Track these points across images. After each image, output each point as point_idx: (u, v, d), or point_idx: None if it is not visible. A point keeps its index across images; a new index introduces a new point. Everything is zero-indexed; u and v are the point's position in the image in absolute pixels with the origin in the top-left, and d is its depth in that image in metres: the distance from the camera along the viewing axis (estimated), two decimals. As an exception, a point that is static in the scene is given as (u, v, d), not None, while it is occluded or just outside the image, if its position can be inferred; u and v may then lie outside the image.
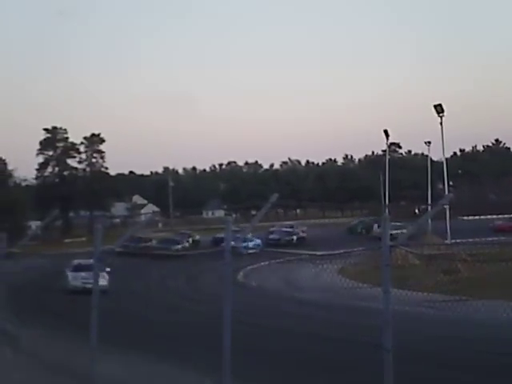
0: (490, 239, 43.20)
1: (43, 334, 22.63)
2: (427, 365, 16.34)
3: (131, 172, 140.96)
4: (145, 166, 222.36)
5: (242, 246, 34.80)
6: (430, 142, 63.24)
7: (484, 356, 17.18)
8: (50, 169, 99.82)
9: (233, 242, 8.16)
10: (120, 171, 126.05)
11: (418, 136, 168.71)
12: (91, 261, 12.77)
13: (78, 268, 32.61)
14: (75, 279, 31.90)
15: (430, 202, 53.44)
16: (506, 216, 70.21)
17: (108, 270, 30.13)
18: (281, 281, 34.30)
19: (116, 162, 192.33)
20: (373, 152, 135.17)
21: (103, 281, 32.82)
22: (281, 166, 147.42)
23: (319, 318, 23.15)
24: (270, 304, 24.08)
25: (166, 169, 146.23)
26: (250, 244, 43.02)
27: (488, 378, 14.81)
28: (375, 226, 62.24)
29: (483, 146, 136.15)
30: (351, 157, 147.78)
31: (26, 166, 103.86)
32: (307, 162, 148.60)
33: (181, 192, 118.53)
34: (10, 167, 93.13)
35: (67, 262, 35.08)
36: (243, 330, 16.70)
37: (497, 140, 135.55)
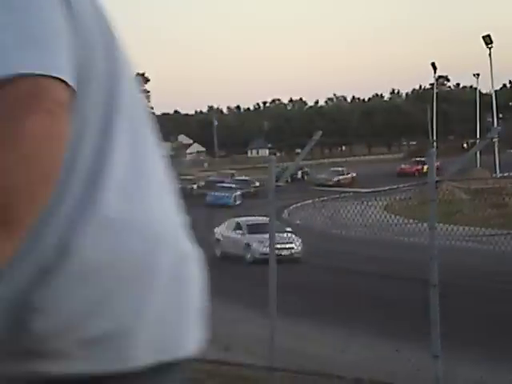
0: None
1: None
2: (473, 299, 16.33)
3: (176, 111, 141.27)
4: (189, 106, 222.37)
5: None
6: (478, 75, 62.00)
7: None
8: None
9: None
10: (165, 111, 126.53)
11: (467, 68, 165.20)
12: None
13: None
14: None
15: (478, 135, 52.55)
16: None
17: None
18: (325, 218, 34.29)
19: (161, 102, 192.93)
20: (420, 86, 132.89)
21: None
22: (326, 102, 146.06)
23: (363, 255, 23.21)
24: (314, 241, 24.15)
25: (210, 108, 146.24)
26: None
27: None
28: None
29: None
30: (398, 91, 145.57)
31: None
32: (353, 97, 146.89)
33: (225, 131, 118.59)
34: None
35: None
36: (290, 267, 16.89)
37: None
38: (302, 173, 62.37)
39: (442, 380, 6.74)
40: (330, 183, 54.35)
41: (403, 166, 61.62)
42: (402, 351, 11.88)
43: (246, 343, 12.30)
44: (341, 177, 61.45)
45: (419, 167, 58.97)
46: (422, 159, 64.47)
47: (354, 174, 63.63)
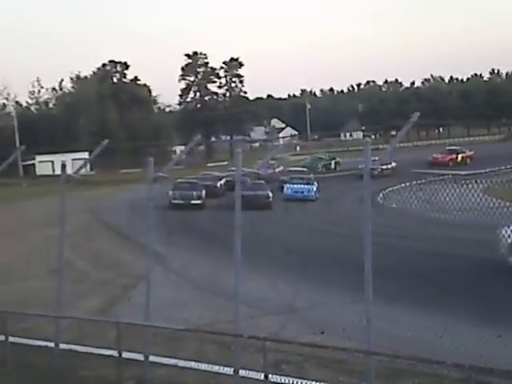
0: None
1: (191, 254, 23.67)
2: None
3: (269, 96, 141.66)
4: (282, 89, 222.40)
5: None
6: None
7: None
8: (191, 94, 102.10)
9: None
10: (258, 95, 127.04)
11: None
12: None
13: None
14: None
15: None
16: None
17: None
18: (422, 202, 33.69)
19: (254, 86, 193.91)
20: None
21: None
22: (422, 83, 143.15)
23: (462, 239, 22.68)
24: (409, 225, 23.75)
25: (303, 91, 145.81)
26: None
27: None
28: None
29: None
30: (498, 71, 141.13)
31: (169, 93, 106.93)
32: (451, 78, 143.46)
33: (318, 114, 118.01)
34: (153, 93, 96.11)
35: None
36: (383, 251, 16.67)
37: None
38: (335, 163, 59.49)
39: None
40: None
41: (435, 155, 56.31)
42: (504, 336, 11.58)
43: (342, 327, 12.27)
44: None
45: (453, 156, 56.10)
46: (456, 148, 60.04)
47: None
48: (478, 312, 13.50)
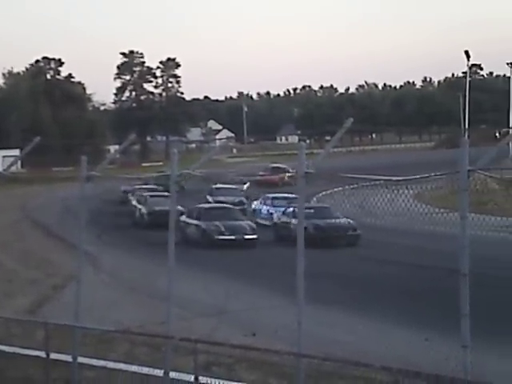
0: None
1: (123, 255, 23.43)
2: (505, 289, 16.19)
3: (206, 97, 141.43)
4: (219, 91, 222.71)
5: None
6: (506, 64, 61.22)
7: None
8: (127, 93, 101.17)
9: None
10: (195, 96, 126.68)
11: (501, 57, 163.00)
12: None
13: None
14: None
15: (511, 125, 51.91)
16: None
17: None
18: (354, 206, 34.21)
19: (191, 87, 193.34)
20: (453, 74, 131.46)
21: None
22: (357, 89, 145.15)
23: (392, 244, 23.10)
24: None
25: (240, 94, 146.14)
26: None
27: None
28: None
29: None
30: (430, 79, 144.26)
31: (104, 91, 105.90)
32: (384, 85, 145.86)
33: (255, 117, 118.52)
34: (88, 91, 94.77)
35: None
36: (317, 255, 16.81)
37: None
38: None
39: (471, 370, 6.71)
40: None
41: (262, 172, 49.94)
42: (431, 341, 11.85)
43: (274, 329, 12.34)
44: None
45: (282, 176, 46.05)
46: (281, 166, 51.74)
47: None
48: (409, 316, 13.77)
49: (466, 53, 65.90)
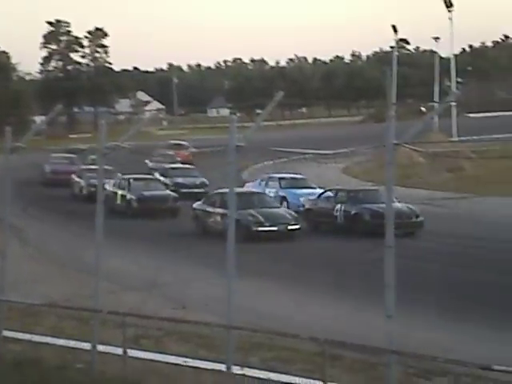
0: (495, 136, 42.94)
1: (49, 229, 23.03)
2: (427, 262, 16.62)
3: (135, 68, 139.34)
4: (149, 63, 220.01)
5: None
6: (438, 38, 62.24)
7: (483, 252, 17.47)
8: (53, 63, 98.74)
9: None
10: (124, 67, 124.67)
11: (427, 32, 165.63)
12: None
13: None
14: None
15: (436, 99, 52.90)
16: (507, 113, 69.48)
17: None
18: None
19: (120, 58, 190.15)
20: (381, 49, 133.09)
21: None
22: (287, 63, 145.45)
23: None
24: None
25: (170, 65, 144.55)
26: None
27: (485, 275, 15.10)
28: None
29: (492, 42, 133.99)
30: (359, 54, 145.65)
31: (30, 60, 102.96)
32: (314, 59, 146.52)
33: (185, 89, 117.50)
34: (13, 61, 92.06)
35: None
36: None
37: (506, 36, 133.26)
38: None
39: (395, 340, 6.87)
40: None
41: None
42: (357, 312, 12.09)
43: (204, 302, 12.37)
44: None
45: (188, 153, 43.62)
46: (183, 143, 46.60)
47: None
48: (335, 288, 13.99)
49: (394, 27, 66.64)
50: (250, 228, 20.22)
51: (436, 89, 55.80)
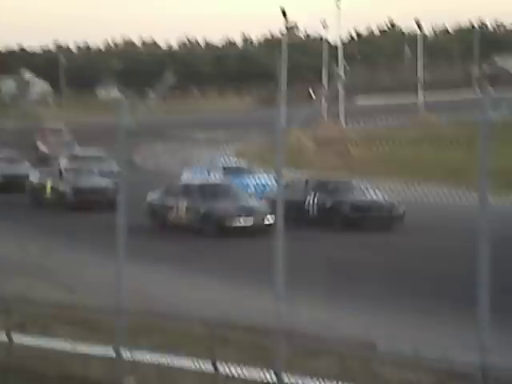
0: (381, 122, 44.27)
1: None
2: (313, 245, 17.01)
3: (22, 49, 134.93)
4: (35, 42, 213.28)
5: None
6: (326, 25, 63.51)
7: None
8: None
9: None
10: (8, 46, 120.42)
11: (317, 18, 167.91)
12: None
13: None
14: None
15: (325, 85, 53.99)
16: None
17: None
18: (178, 163, 34.41)
19: (4, 36, 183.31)
20: (272, 35, 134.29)
21: None
22: (179, 47, 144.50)
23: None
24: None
25: (58, 45, 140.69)
26: None
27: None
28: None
29: (379, 31, 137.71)
30: (250, 39, 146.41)
31: None
32: (206, 43, 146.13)
33: (74, 71, 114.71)
34: None
35: None
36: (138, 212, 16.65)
37: (392, 24, 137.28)
38: None
39: (284, 320, 7.02)
40: None
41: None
42: (246, 293, 12.26)
43: (93, 286, 12.21)
44: None
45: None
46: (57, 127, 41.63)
47: None
48: (223, 269, 14.13)
49: (283, 13, 67.41)
50: (223, 223, 18.61)
51: (325, 75, 56.91)
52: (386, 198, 19.56)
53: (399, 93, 72.67)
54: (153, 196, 20.36)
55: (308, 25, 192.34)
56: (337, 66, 56.89)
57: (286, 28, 75.00)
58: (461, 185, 18.48)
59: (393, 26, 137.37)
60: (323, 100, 47.75)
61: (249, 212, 18.71)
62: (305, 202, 19.64)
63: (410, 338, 8.93)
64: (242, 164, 27.01)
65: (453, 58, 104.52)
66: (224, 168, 25.50)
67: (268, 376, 7.24)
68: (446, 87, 74.84)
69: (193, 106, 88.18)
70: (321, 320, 10.06)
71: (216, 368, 7.39)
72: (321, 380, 7.53)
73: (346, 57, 60.80)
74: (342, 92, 49.07)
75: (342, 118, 49.16)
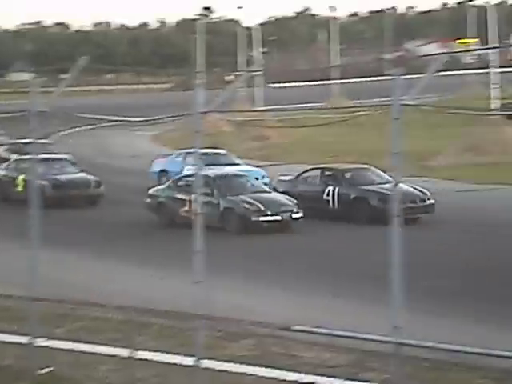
0: (298, 106, 44.67)
1: None
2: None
3: None
4: None
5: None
6: (241, 7, 63.66)
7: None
8: None
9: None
10: None
11: (232, 1, 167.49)
12: None
13: None
14: None
15: (242, 69, 54.04)
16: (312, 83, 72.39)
17: None
18: (93, 148, 33.84)
19: None
20: (187, 18, 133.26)
21: None
22: (93, 28, 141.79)
23: (125, 184, 23.21)
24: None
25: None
26: None
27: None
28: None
29: (296, 13, 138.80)
30: (165, 21, 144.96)
31: None
32: (121, 25, 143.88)
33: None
34: None
35: None
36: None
37: (306, 8, 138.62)
38: None
39: (202, 304, 7.00)
40: None
41: None
42: (166, 279, 12.20)
43: (6, 274, 11.91)
44: None
45: None
46: None
47: None
48: (145, 257, 14.02)
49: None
50: (249, 218, 16.68)
51: (241, 58, 56.97)
52: (415, 187, 17.86)
53: (314, 77, 73.47)
54: (157, 190, 18.51)
55: (224, 7, 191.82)
56: (252, 49, 57.02)
57: (203, 9, 74.65)
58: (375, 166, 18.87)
59: (306, 9, 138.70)
60: (240, 84, 47.75)
61: (277, 206, 17.00)
62: (323, 193, 18.11)
63: (327, 320, 9.08)
64: (221, 151, 24.15)
65: (366, 43, 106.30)
66: (202, 155, 22.82)
67: (186, 360, 7.24)
68: (359, 72, 76.10)
69: (107, 89, 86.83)
70: (240, 304, 10.12)
71: (133, 354, 7.33)
72: (239, 364, 7.59)
73: (263, 40, 61.01)
74: (258, 76, 49.23)
75: (258, 102, 49.38)
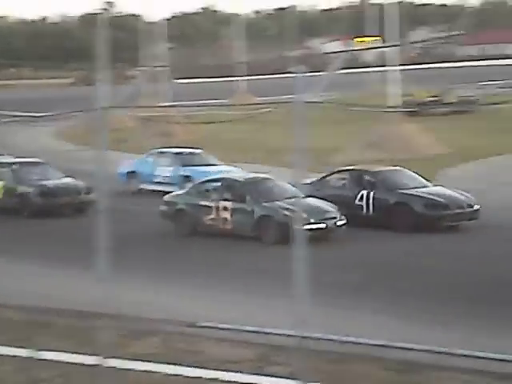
0: (204, 102, 44.54)
1: None
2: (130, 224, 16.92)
3: None
4: None
5: None
6: (144, 3, 63.13)
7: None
8: None
9: None
10: None
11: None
12: None
13: None
14: None
15: (145, 64, 53.49)
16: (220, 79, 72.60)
17: None
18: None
19: None
20: (89, 12, 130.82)
21: None
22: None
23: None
24: None
25: None
26: None
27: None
28: None
29: (200, 9, 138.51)
30: (66, 15, 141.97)
31: None
32: (21, 18, 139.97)
33: None
34: None
35: None
36: None
37: (210, 5, 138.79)
38: None
39: (105, 302, 6.88)
40: None
41: None
42: (69, 277, 11.95)
43: None
44: None
45: None
46: None
47: None
48: (44, 253, 13.68)
49: (104, -11, 66.18)
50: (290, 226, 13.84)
51: (144, 54, 56.44)
52: (460, 191, 16.58)
53: (220, 73, 73.60)
54: (175, 196, 16.81)
55: (127, 1, 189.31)
56: (156, 45, 56.54)
57: (105, 3, 73.38)
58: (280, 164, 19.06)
59: (210, 6, 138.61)
60: (144, 79, 47.32)
61: (321, 212, 15.38)
62: (355, 198, 16.50)
63: (233, 316, 9.12)
64: (196, 151, 22.37)
65: (270, 40, 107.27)
66: (176, 154, 21.40)
67: (90, 360, 7.13)
68: (265, 69, 76.71)
69: (9, 84, 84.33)
70: (147, 302, 10.03)
71: (34, 354, 7.17)
72: (144, 362, 7.53)
73: (168, 35, 60.57)
74: (162, 71, 48.87)
75: (163, 97, 49.01)
